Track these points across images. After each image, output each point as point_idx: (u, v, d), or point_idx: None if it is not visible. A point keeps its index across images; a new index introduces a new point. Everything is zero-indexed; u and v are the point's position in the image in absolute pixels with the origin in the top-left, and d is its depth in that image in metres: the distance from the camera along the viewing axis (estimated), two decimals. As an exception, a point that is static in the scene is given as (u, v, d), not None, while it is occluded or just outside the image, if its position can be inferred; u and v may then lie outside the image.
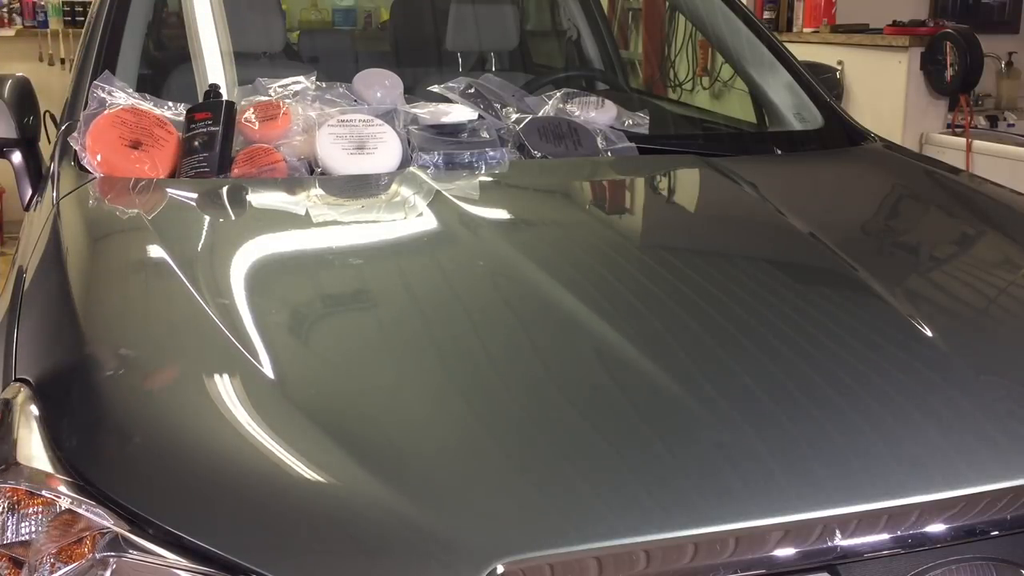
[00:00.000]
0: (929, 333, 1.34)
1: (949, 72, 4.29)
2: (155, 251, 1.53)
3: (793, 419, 1.15)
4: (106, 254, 1.58)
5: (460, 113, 2.04)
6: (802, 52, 3.18)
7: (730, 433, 1.12)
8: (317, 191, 1.83)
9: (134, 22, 2.30)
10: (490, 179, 1.93)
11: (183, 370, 1.24)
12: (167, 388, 1.21)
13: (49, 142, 2.21)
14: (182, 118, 1.92)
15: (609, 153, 2.10)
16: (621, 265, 1.62)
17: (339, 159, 1.88)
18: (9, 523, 1.04)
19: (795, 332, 1.36)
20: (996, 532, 1.07)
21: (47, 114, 2.33)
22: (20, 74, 2.23)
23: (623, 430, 1.13)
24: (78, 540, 1.03)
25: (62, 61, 5.99)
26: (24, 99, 2.16)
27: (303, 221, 1.72)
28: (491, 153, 1.97)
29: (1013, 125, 4.74)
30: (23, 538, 1.03)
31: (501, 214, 1.80)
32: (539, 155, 2.03)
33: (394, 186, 1.87)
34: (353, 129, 1.92)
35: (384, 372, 1.25)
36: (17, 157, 2.13)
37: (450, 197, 1.75)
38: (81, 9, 5.90)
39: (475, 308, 1.43)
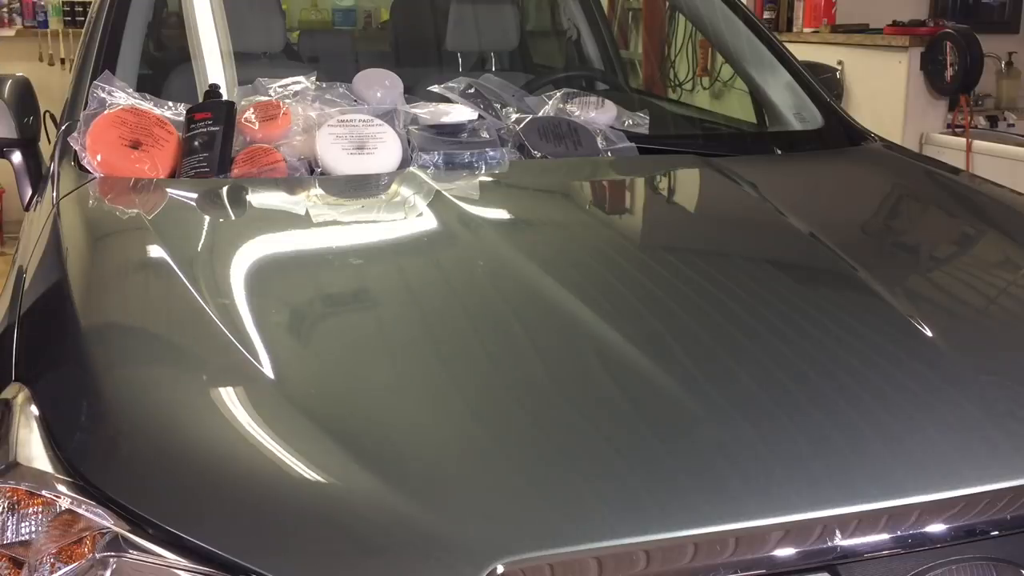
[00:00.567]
0: (929, 333, 1.34)
1: (949, 72, 4.29)
2: (155, 251, 1.53)
3: (793, 419, 1.15)
4: (106, 254, 1.58)
5: (460, 113, 2.04)
6: (802, 52, 3.18)
7: (730, 433, 1.12)
8: (317, 191, 1.83)
9: (134, 22, 2.30)
10: (490, 179, 1.93)
11: (183, 370, 1.24)
12: (167, 388, 1.21)
13: (49, 142, 2.21)
14: (182, 118, 1.92)
15: (609, 153, 2.10)
16: (621, 265, 1.62)
17: (339, 159, 1.88)
18: (9, 523, 1.04)
19: (795, 332, 1.36)
20: (996, 532, 1.07)
21: (47, 114, 2.34)
22: (20, 74, 2.23)
23: (623, 430, 1.13)
24: (78, 540, 1.03)
25: (62, 61, 5.99)
26: (24, 99, 2.16)
27: (303, 221, 1.72)
28: (491, 153, 1.97)
29: (1013, 125, 4.74)
30: (23, 538, 1.03)
31: (501, 214, 1.80)
32: (539, 155, 2.03)
33: (394, 186, 1.87)
34: (353, 129, 1.92)
35: (384, 372, 1.25)
36: (17, 157, 2.13)
37: (450, 197, 1.75)
38: (81, 9, 5.90)
39: (475, 308, 1.43)
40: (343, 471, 1.05)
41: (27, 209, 2.09)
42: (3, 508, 1.04)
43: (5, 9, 6.03)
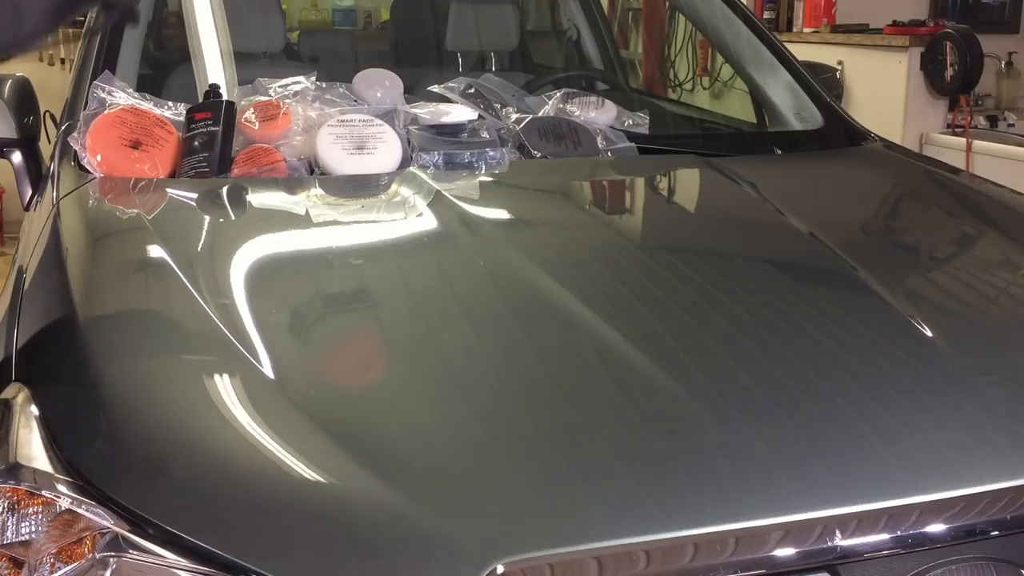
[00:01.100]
0: (929, 333, 1.34)
1: (949, 72, 4.29)
2: (155, 251, 1.53)
3: (793, 419, 1.15)
4: (106, 254, 1.58)
5: (460, 113, 2.04)
6: (802, 52, 3.17)
7: (730, 433, 1.12)
8: (317, 191, 1.83)
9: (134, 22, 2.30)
10: (490, 179, 1.93)
11: (183, 370, 1.24)
12: (167, 388, 1.21)
13: (49, 142, 2.20)
14: (182, 118, 1.92)
15: (609, 153, 2.10)
16: (621, 265, 1.62)
17: (339, 159, 1.88)
18: (9, 523, 1.04)
19: (795, 332, 1.36)
20: (996, 532, 1.07)
21: (47, 114, 2.33)
22: (20, 74, 2.23)
23: (623, 430, 1.13)
24: (78, 540, 1.03)
25: (62, 61, 5.98)
26: (24, 99, 2.16)
27: (303, 221, 1.72)
28: (491, 153, 1.97)
29: (1013, 125, 4.74)
30: (23, 538, 1.03)
31: (501, 214, 1.80)
32: (539, 155, 2.03)
33: (394, 186, 1.87)
34: (353, 129, 1.92)
35: (384, 372, 1.25)
36: (17, 157, 2.13)
37: (450, 197, 1.75)
38: (81, 9, 5.90)
39: (475, 308, 1.43)
40: (343, 471, 1.05)
41: (27, 209, 2.09)
42: (3, 508, 1.04)
43: (5, 9, 6.02)
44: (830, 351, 1.30)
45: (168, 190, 1.79)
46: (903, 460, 1.10)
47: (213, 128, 1.86)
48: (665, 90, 4.81)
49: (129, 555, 0.99)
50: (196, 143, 1.85)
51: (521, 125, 2.09)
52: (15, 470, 1.07)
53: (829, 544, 1.02)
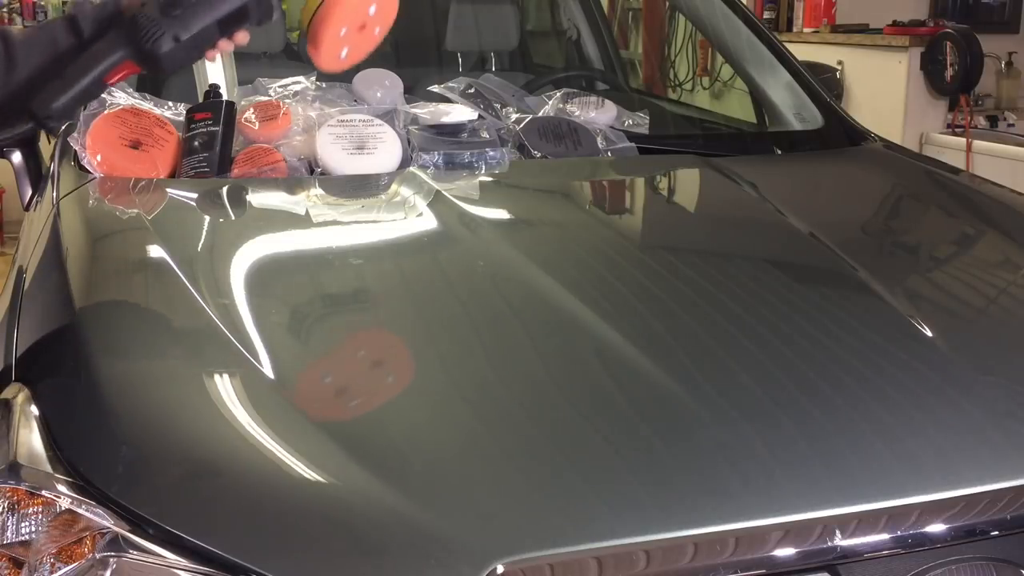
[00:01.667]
0: (929, 333, 1.34)
1: (949, 72, 4.29)
2: (155, 251, 1.53)
3: (793, 419, 1.15)
4: (106, 254, 1.58)
5: (460, 113, 2.04)
6: (802, 52, 3.17)
7: (730, 433, 1.12)
8: (317, 191, 1.83)
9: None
10: (490, 179, 1.93)
11: (183, 370, 1.24)
12: (167, 388, 1.21)
13: (49, 142, 2.20)
14: (182, 118, 1.92)
15: (609, 153, 2.10)
16: (621, 265, 1.62)
17: (339, 159, 1.88)
18: (9, 523, 1.04)
19: (795, 332, 1.36)
20: (996, 532, 1.07)
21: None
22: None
23: (623, 430, 1.13)
24: (78, 540, 1.03)
25: (62, 61, 5.98)
26: None
27: (303, 221, 1.72)
28: (491, 153, 1.97)
29: (1013, 125, 4.74)
30: (23, 538, 1.03)
31: (501, 214, 1.80)
32: (539, 155, 2.03)
33: (394, 186, 1.87)
34: (353, 129, 1.92)
35: (384, 372, 1.25)
36: (17, 157, 2.12)
37: (450, 197, 1.75)
38: (81, 9, 5.90)
39: (475, 308, 1.43)
40: (343, 471, 1.05)
41: (27, 209, 2.08)
42: (3, 508, 1.04)
43: (5, 9, 6.04)
44: (830, 351, 1.30)
45: (168, 190, 1.79)
46: (903, 460, 1.10)
47: (213, 128, 1.86)
48: (665, 90, 4.80)
49: (129, 555, 0.99)
50: (196, 143, 1.85)
51: (521, 125, 2.08)
52: (15, 470, 1.07)
53: (829, 544, 1.02)
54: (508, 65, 3.13)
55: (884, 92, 4.51)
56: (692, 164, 2.08)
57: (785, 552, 1.01)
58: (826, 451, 1.10)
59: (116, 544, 1.00)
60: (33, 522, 1.04)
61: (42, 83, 1.31)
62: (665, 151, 2.17)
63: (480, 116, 2.07)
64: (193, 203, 1.76)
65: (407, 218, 1.76)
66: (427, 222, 1.72)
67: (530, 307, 1.41)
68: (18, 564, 1.03)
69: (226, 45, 1.41)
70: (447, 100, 2.15)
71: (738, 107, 2.90)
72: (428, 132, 1.99)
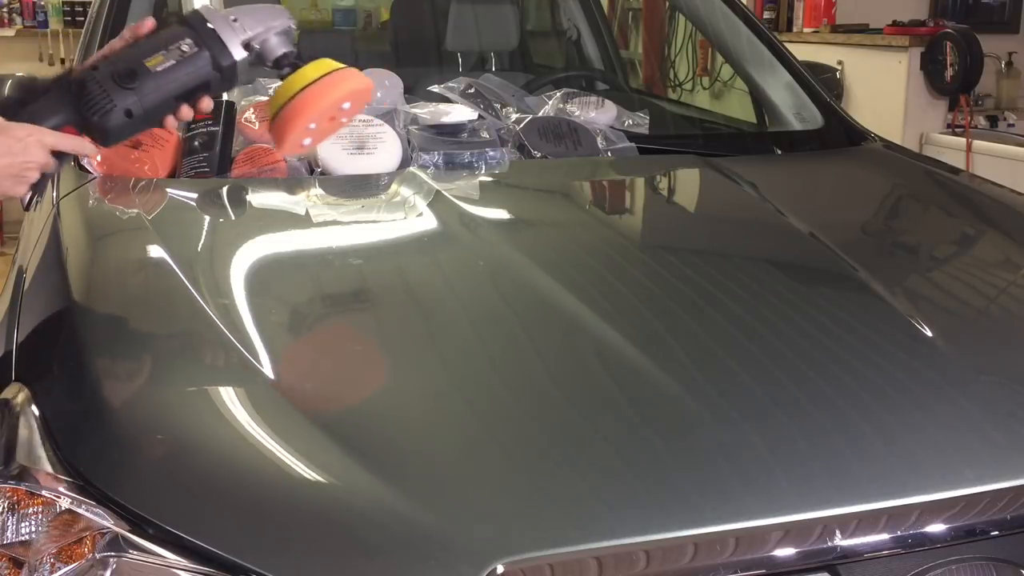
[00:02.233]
0: (929, 333, 1.34)
1: (949, 72, 4.29)
2: (155, 251, 1.53)
3: (793, 419, 1.15)
4: (106, 254, 1.58)
5: (460, 113, 2.04)
6: (802, 52, 3.17)
7: (730, 433, 1.12)
8: (317, 191, 1.83)
9: (134, 22, 2.30)
10: (490, 179, 1.93)
11: (183, 370, 1.24)
12: (167, 388, 1.21)
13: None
14: (182, 118, 1.92)
15: (609, 153, 2.10)
16: (621, 265, 1.62)
17: (339, 159, 1.88)
18: (9, 523, 1.04)
19: (795, 332, 1.36)
20: (996, 532, 1.07)
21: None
22: (20, 74, 2.23)
23: (623, 430, 1.13)
24: (78, 540, 1.03)
25: (62, 61, 5.98)
26: None
27: (303, 221, 1.72)
28: (491, 153, 1.97)
29: (1013, 125, 4.73)
30: (23, 538, 1.03)
31: (501, 214, 1.80)
32: (539, 155, 2.03)
33: (394, 186, 1.87)
34: (353, 129, 1.92)
35: (384, 372, 1.25)
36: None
37: (450, 197, 1.75)
38: (81, 9, 5.90)
39: (475, 308, 1.43)
40: (343, 471, 1.05)
41: (27, 209, 2.07)
42: (3, 508, 1.04)
43: (5, 9, 6.03)
44: (830, 351, 1.30)
45: (168, 190, 1.79)
46: (903, 460, 1.10)
47: (213, 128, 1.86)
48: (665, 90, 4.80)
49: (129, 555, 0.99)
50: (196, 143, 1.85)
51: (521, 125, 2.09)
52: (15, 470, 1.07)
53: (829, 544, 1.02)
54: (508, 65, 3.13)
55: (884, 92, 4.51)
56: (692, 164, 2.08)
57: (785, 552, 1.01)
58: (826, 451, 1.10)
59: (116, 544, 1.00)
60: (33, 522, 1.04)
61: None
62: (665, 151, 2.17)
63: (480, 116, 2.07)
64: (193, 203, 1.76)
65: (407, 218, 1.76)
66: (427, 222, 1.71)
67: (530, 307, 1.41)
68: (18, 564, 1.03)
69: (186, 113, 1.32)
70: (447, 100, 2.15)
71: (738, 107, 2.90)
72: (428, 132, 1.99)
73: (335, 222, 1.74)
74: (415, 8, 3.34)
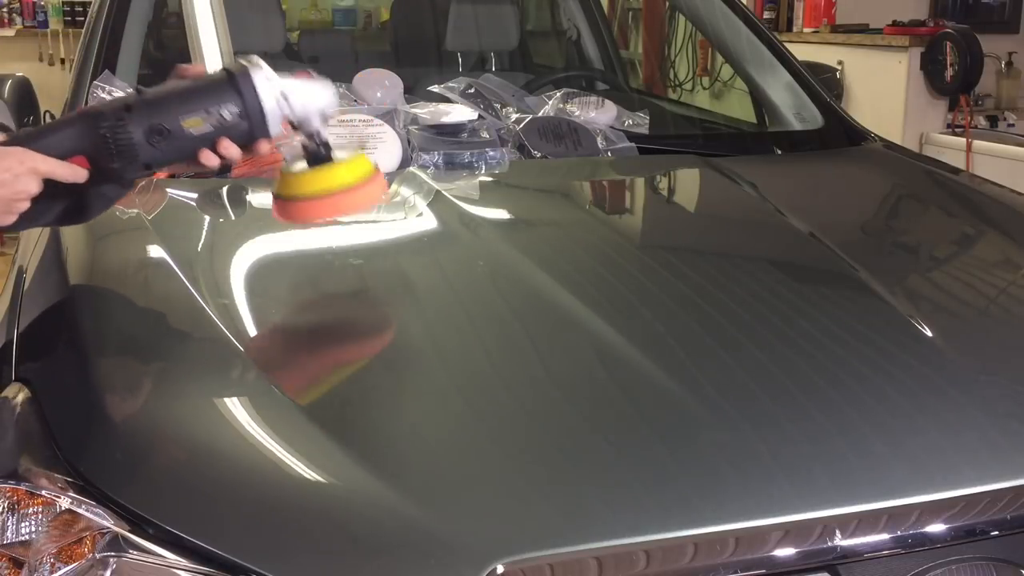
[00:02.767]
0: (929, 333, 1.34)
1: (949, 72, 4.29)
2: (155, 251, 1.53)
3: (793, 419, 1.15)
4: (106, 254, 1.58)
5: (460, 113, 2.04)
6: (802, 52, 3.17)
7: (730, 433, 1.12)
8: (317, 191, 1.83)
9: (134, 22, 2.30)
10: (490, 179, 1.93)
11: (183, 370, 1.24)
12: (167, 388, 1.21)
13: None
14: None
15: (609, 153, 2.09)
16: (621, 265, 1.62)
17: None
18: (9, 523, 1.04)
19: (795, 332, 1.36)
20: (996, 532, 1.07)
21: (47, 114, 2.33)
22: (20, 74, 2.23)
23: (623, 430, 1.13)
24: (78, 540, 1.03)
25: (62, 61, 5.99)
26: (24, 99, 2.16)
27: (303, 221, 1.72)
28: (491, 153, 1.97)
29: (1013, 125, 4.73)
30: (23, 538, 1.03)
31: (501, 214, 1.80)
32: (539, 155, 2.03)
33: (394, 186, 1.87)
34: (353, 129, 1.92)
35: (384, 372, 1.25)
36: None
37: (450, 197, 1.75)
38: (81, 9, 5.91)
39: (475, 308, 1.43)
40: (343, 471, 1.05)
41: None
42: (3, 508, 1.04)
43: (5, 9, 6.04)
44: (830, 351, 1.30)
45: (168, 190, 1.79)
46: (903, 460, 1.10)
47: (213, 128, 1.86)
48: (665, 90, 4.80)
49: (129, 555, 0.99)
50: (196, 143, 1.85)
51: (521, 125, 2.08)
52: (15, 470, 1.07)
53: (829, 544, 1.02)
54: (508, 65, 3.13)
55: (884, 92, 4.51)
56: (692, 164, 2.08)
57: (785, 552, 1.01)
58: (826, 451, 1.10)
59: (116, 544, 1.00)
60: (33, 522, 1.04)
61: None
62: (665, 151, 2.17)
63: (480, 116, 2.07)
64: (193, 203, 1.76)
65: (407, 218, 1.76)
66: (427, 222, 1.71)
67: (530, 307, 1.41)
68: (18, 564, 1.03)
69: (209, 158, 1.28)
70: (447, 100, 2.15)
71: (738, 107, 2.90)
72: (428, 132, 1.99)
73: (335, 222, 1.74)
74: (415, 8, 3.34)
